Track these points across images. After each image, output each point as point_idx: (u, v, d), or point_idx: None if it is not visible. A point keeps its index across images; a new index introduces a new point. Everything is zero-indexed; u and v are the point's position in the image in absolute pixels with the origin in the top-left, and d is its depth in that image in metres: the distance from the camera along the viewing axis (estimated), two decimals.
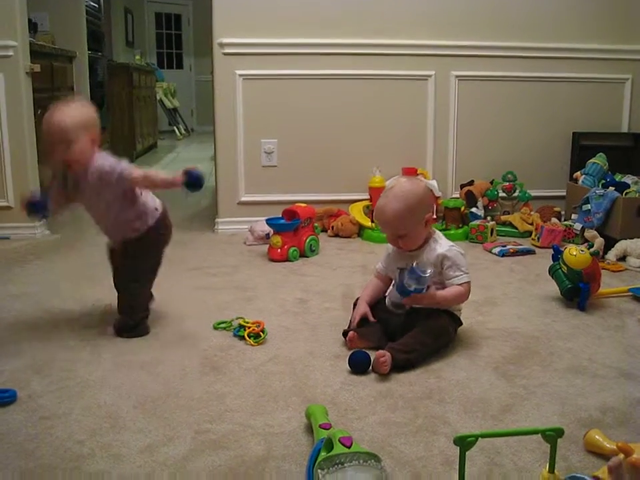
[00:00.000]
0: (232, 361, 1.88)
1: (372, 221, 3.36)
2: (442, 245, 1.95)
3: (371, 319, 1.98)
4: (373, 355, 1.80)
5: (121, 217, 2.02)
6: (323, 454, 1.25)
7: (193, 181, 1.95)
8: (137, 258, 2.08)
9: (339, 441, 1.24)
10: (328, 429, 1.36)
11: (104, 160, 1.96)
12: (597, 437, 1.38)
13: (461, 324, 2.01)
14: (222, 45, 3.43)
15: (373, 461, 1.22)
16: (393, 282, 2.01)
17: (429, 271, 1.82)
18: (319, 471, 1.20)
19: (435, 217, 3.37)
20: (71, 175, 1.98)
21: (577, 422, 1.52)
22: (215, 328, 2.12)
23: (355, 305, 2.08)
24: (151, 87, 8.58)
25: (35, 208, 1.96)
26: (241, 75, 3.47)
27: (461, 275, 1.92)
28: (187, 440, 1.45)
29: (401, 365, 1.78)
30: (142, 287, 2.13)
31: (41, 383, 1.72)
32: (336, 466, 1.19)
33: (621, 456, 1.20)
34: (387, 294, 2.01)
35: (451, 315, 1.96)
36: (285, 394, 1.67)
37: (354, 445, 1.24)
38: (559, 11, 3.68)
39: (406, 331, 1.88)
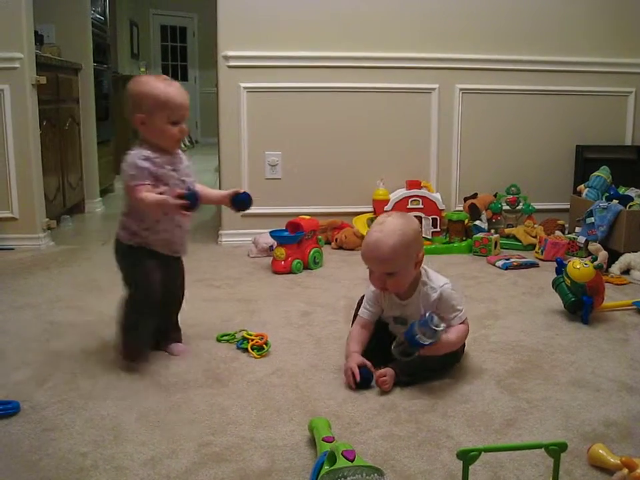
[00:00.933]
0: (235, 373, 1.88)
1: None
2: (433, 287, 1.82)
3: (373, 369, 1.79)
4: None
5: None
6: (325, 467, 1.25)
7: (242, 200, 1.96)
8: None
9: (342, 454, 1.24)
10: (331, 442, 1.36)
11: None
12: (600, 451, 1.38)
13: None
14: (226, 58, 3.45)
15: (375, 474, 1.21)
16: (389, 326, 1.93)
17: (442, 325, 1.72)
18: None
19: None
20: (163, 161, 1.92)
21: (580, 436, 1.51)
22: (219, 340, 2.12)
23: (346, 356, 1.88)
24: None
25: (191, 199, 1.76)
26: (245, 88, 3.49)
27: (459, 312, 1.84)
28: (190, 452, 1.45)
29: (404, 383, 1.77)
30: None
31: (44, 394, 1.72)
32: None
33: (625, 470, 1.20)
34: (393, 346, 1.77)
35: None
36: (288, 407, 1.67)
37: (357, 458, 1.24)
38: (563, 25, 3.70)
39: None
